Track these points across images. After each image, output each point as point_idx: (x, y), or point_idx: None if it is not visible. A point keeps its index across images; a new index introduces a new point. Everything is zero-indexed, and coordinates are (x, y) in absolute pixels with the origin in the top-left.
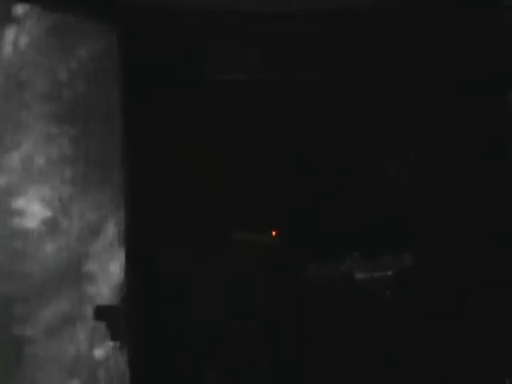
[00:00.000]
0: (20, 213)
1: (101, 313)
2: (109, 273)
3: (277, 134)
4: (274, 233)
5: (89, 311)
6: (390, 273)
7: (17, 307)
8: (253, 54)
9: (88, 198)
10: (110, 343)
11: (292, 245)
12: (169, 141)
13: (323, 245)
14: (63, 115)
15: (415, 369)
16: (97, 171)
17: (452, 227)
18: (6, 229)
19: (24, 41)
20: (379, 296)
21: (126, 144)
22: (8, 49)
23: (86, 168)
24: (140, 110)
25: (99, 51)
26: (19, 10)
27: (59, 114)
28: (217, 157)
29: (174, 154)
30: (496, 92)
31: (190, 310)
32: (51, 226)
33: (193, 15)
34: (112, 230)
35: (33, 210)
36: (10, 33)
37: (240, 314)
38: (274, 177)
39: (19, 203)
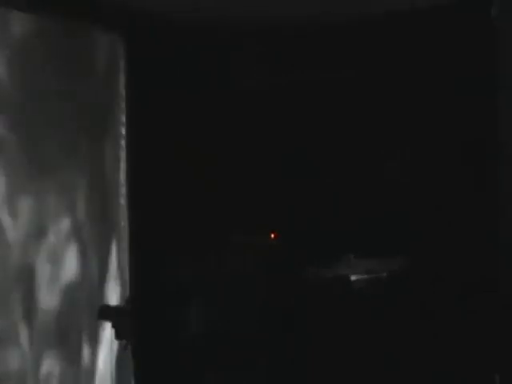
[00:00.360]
0: None
1: (106, 313)
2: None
3: (277, 138)
4: (272, 235)
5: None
6: (383, 274)
7: None
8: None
9: None
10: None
11: (290, 247)
12: (170, 144)
13: (320, 247)
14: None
15: (407, 365)
16: None
17: (443, 230)
18: None
19: None
20: (374, 296)
21: (129, 151)
22: None
23: None
24: (142, 111)
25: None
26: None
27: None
28: (218, 160)
29: (177, 157)
30: (487, 96)
31: (191, 310)
32: None
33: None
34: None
35: None
36: None
37: (240, 314)
38: (274, 180)
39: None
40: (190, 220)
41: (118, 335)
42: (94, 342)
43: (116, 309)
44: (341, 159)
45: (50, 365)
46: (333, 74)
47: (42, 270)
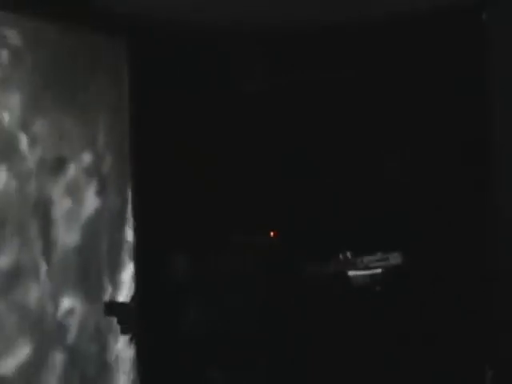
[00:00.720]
0: None
1: (112, 309)
2: None
3: (276, 138)
4: (272, 234)
5: None
6: (379, 270)
7: None
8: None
9: None
10: None
11: (290, 246)
12: (172, 144)
13: (318, 245)
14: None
15: (403, 360)
16: None
17: (440, 228)
18: None
19: None
20: (370, 292)
21: (133, 155)
22: None
23: None
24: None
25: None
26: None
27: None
28: (218, 160)
29: (177, 157)
30: (481, 95)
31: (191, 309)
32: None
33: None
34: None
35: None
36: None
37: (240, 314)
38: (274, 180)
39: None
40: (190, 220)
41: (124, 330)
42: (114, 280)
43: (121, 305)
44: (340, 159)
45: (69, 302)
46: (332, 74)
47: (61, 204)
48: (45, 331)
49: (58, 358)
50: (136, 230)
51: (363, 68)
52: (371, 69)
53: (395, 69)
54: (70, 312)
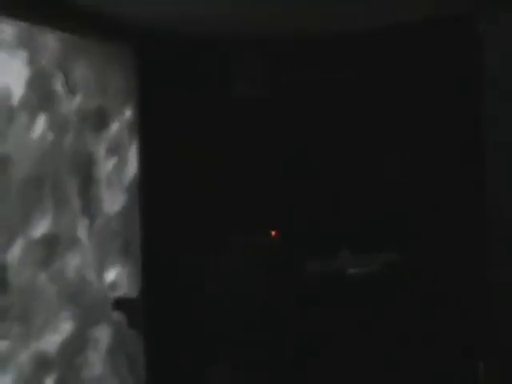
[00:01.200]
0: None
1: (120, 304)
2: None
3: (276, 140)
4: (273, 233)
5: None
6: (378, 268)
7: None
8: (248, 74)
9: None
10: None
11: (290, 245)
12: (176, 145)
13: (318, 244)
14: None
15: (398, 353)
16: None
17: (436, 228)
18: None
19: None
20: (368, 288)
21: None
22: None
23: None
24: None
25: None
26: None
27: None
28: (220, 163)
29: (179, 158)
30: (475, 100)
31: (200, 303)
32: None
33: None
34: None
35: None
36: None
37: (241, 311)
38: (274, 181)
39: None
40: (192, 219)
41: (131, 324)
42: None
43: (129, 300)
44: (338, 160)
45: (114, 273)
46: (331, 76)
47: (103, 162)
48: (88, 305)
49: (103, 334)
50: (142, 230)
51: (362, 73)
52: (367, 79)
53: (394, 73)
54: (115, 284)
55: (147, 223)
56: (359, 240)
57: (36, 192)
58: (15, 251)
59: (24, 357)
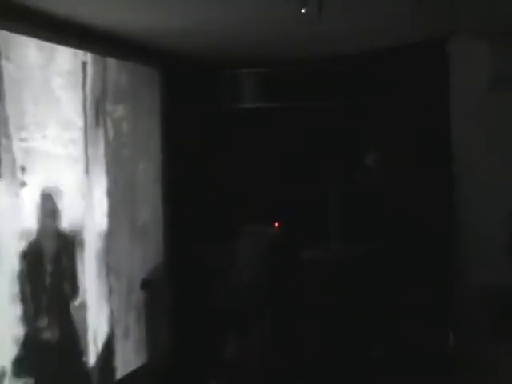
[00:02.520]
0: None
1: (146, 284)
2: None
3: (280, 151)
4: (276, 224)
5: None
6: (366, 253)
7: None
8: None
9: None
10: None
11: (290, 234)
12: (200, 151)
13: (315, 233)
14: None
15: (378, 324)
16: None
17: (411, 222)
18: None
19: None
20: (358, 271)
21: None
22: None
23: None
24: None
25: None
26: None
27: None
28: (235, 170)
29: (198, 164)
30: (443, 111)
31: (214, 283)
32: None
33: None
34: None
35: None
36: None
37: (251, 286)
38: (278, 183)
39: None
40: (216, 213)
41: (155, 301)
42: None
43: (154, 281)
44: (330, 164)
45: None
46: (313, 102)
47: None
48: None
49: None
50: (166, 224)
51: (344, 93)
52: (349, 94)
53: (372, 92)
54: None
55: (170, 219)
56: (351, 230)
57: None
58: None
59: None
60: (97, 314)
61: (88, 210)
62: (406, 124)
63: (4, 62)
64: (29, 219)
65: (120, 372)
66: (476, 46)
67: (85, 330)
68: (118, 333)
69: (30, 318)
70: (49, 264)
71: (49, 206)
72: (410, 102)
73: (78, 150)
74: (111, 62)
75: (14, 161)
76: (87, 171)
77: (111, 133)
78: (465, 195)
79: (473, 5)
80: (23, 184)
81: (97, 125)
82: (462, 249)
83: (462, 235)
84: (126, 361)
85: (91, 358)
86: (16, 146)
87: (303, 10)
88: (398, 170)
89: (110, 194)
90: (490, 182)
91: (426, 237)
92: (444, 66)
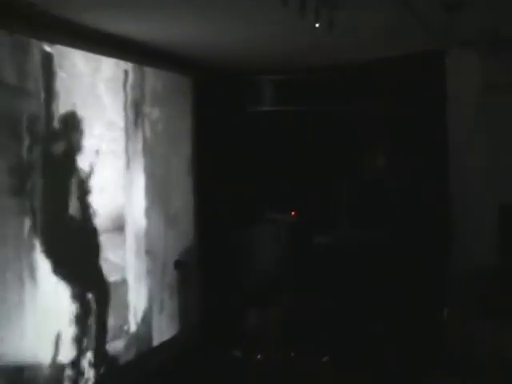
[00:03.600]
0: None
1: (178, 265)
2: None
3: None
4: (293, 213)
5: None
6: (369, 239)
7: None
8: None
9: None
10: None
11: (305, 222)
12: (225, 148)
13: (326, 221)
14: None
15: (381, 299)
16: None
17: (410, 212)
18: None
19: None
20: (362, 253)
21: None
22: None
23: None
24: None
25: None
26: None
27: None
28: (255, 162)
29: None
30: (441, 115)
31: (238, 264)
32: None
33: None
34: None
35: None
36: None
37: (270, 266)
38: (294, 177)
39: None
40: (240, 203)
41: (186, 280)
42: None
43: (185, 262)
44: (339, 161)
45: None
46: (325, 106)
47: None
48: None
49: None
50: (198, 215)
51: (353, 97)
52: (352, 100)
53: (375, 98)
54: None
55: (200, 208)
56: (356, 220)
57: None
58: None
59: None
60: (136, 291)
61: (128, 199)
62: (407, 126)
63: (58, 71)
64: None
65: (156, 341)
66: (469, 57)
67: (126, 305)
68: (155, 307)
69: (80, 294)
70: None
71: None
72: (411, 106)
73: (119, 146)
74: (149, 70)
75: None
76: (128, 165)
77: (148, 132)
78: (459, 189)
79: (466, 24)
80: None
81: (136, 125)
82: (455, 235)
83: (455, 224)
84: (161, 331)
85: (131, 328)
86: None
87: (317, 25)
88: (400, 167)
89: (147, 185)
90: (483, 177)
91: (423, 224)
92: (441, 73)
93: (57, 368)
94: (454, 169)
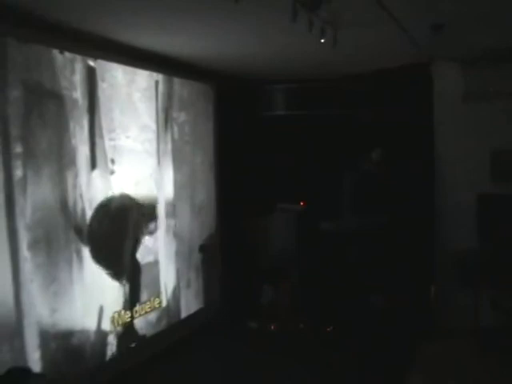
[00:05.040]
0: None
1: (201, 248)
2: None
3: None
4: (302, 203)
5: None
6: (369, 225)
7: None
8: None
9: None
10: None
11: (312, 211)
12: (242, 147)
13: (332, 210)
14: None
15: (376, 277)
16: None
17: (404, 201)
18: None
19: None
20: (363, 238)
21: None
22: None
23: None
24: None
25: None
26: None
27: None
28: (271, 162)
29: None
30: (427, 121)
31: (254, 247)
32: None
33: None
34: None
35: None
36: None
37: (282, 249)
38: (303, 172)
39: None
40: (256, 194)
41: (209, 261)
42: None
43: (208, 246)
44: (343, 158)
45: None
46: (328, 110)
47: None
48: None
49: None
50: (219, 205)
51: (354, 104)
52: (353, 106)
53: (370, 105)
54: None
55: (221, 199)
56: (361, 208)
57: None
58: None
59: None
60: (166, 271)
61: (160, 191)
62: (399, 127)
63: (100, 83)
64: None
65: (184, 313)
66: (452, 69)
67: (158, 281)
68: (182, 284)
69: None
70: (131, 231)
71: None
72: (403, 111)
73: (152, 146)
74: (176, 80)
75: (105, 155)
76: (159, 163)
77: (176, 134)
78: (443, 181)
79: (448, 40)
80: (112, 172)
81: (166, 128)
82: (441, 221)
83: (441, 211)
84: (188, 305)
85: (163, 302)
86: (107, 144)
87: (322, 41)
88: (394, 162)
89: (176, 180)
90: (464, 170)
91: (413, 212)
92: (427, 82)
93: (100, 335)
94: (438, 162)
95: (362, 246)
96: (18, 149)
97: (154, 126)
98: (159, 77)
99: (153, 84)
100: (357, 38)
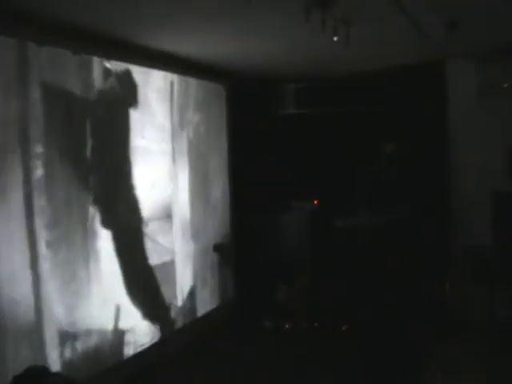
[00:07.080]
0: None
1: (217, 247)
2: None
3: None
4: (315, 202)
5: None
6: (383, 223)
7: None
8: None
9: None
10: None
11: (326, 209)
12: (256, 146)
13: (346, 207)
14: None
15: (391, 275)
16: None
17: (419, 198)
18: None
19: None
20: (378, 236)
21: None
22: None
23: None
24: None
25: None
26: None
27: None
28: (284, 162)
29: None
30: (442, 119)
31: (268, 246)
32: None
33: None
34: None
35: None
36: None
37: (296, 247)
38: (317, 170)
39: None
40: (269, 193)
41: (223, 262)
42: None
43: (223, 245)
44: (357, 155)
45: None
46: (340, 108)
47: None
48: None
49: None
50: (233, 205)
51: (368, 101)
52: (363, 104)
53: (384, 103)
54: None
55: (235, 198)
56: (375, 204)
57: None
58: None
59: None
60: (182, 270)
61: (175, 190)
62: (414, 123)
63: (116, 83)
64: None
65: (199, 312)
66: (465, 66)
67: (174, 281)
68: (198, 284)
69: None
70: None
71: None
72: (418, 108)
73: (167, 146)
74: (191, 81)
75: None
76: (174, 162)
77: (191, 133)
78: (459, 178)
79: (463, 38)
80: None
81: (181, 127)
82: (456, 218)
83: (456, 208)
84: (204, 304)
85: (179, 302)
86: None
87: (335, 39)
88: (408, 158)
89: (191, 179)
90: (479, 167)
91: (429, 210)
92: (443, 79)
93: (117, 333)
94: (454, 158)
95: (376, 244)
96: (37, 149)
97: (169, 126)
98: (174, 77)
99: (168, 84)
100: (369, 36)
